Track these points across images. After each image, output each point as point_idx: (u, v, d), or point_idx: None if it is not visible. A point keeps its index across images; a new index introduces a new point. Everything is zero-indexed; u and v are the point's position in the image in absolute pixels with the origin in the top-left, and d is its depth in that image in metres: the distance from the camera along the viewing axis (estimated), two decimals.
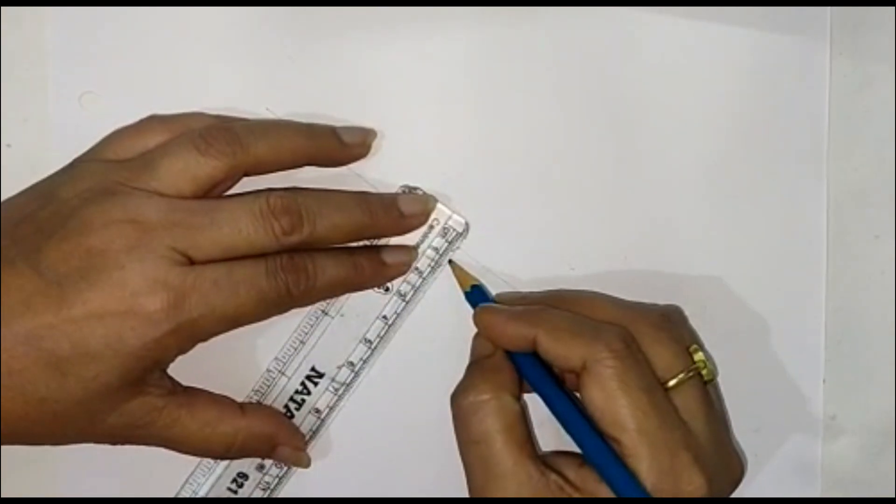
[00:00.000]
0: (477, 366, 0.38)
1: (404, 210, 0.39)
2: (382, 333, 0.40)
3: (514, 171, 0.41)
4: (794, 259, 0.41)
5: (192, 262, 0.34)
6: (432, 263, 0.40)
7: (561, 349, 0.35)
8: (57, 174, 0.37)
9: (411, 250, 0.40)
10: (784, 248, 0.41)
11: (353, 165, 0.40)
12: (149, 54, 0.40)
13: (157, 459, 0.37)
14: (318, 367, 0.40)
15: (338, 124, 0.40)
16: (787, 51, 0.41)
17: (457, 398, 0.36)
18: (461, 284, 0.40)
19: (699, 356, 0.36)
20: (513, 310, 0.37)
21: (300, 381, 0.40)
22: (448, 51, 0.41)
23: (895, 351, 0.42)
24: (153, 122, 0.38)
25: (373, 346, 0.40)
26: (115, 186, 0.34)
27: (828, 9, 0.41)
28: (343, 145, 0.38)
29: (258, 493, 0.40)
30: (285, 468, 0.40)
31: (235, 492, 0.39)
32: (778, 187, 0.41)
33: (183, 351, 0.35)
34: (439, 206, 0.40)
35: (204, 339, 0.35)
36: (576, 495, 0.35)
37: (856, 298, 0.42)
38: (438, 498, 0.40)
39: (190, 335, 0.34)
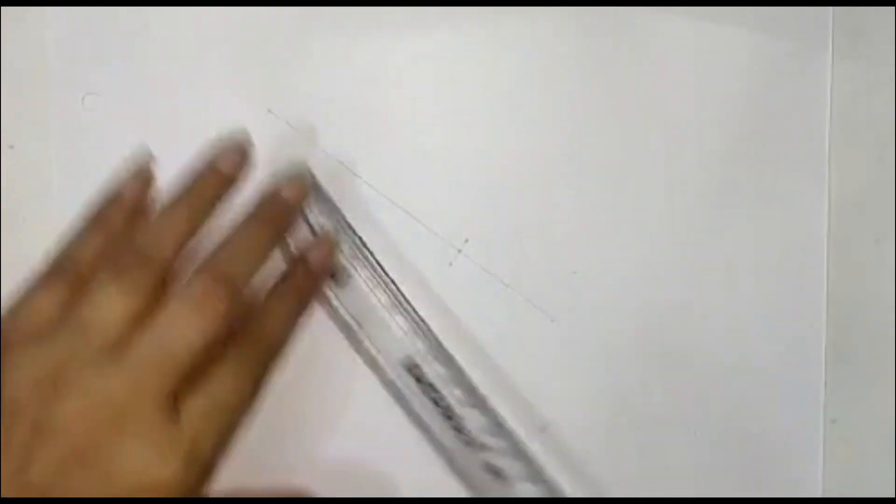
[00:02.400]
0: None
1: (281, 191, 0.37)
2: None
3: (515, 173, 0.41)
4: (795, 262, 0.41)
5: (175, 395, 0.32)
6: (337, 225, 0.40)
7: None
8: None
9: (326, 238, 0.39)
10: (785, 252, 0.41)
11: (351, 165, 0.40)
12: (151, 55, 0.40)
13: None
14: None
15: (338, 125, 0.40)
16: (789, 53, 0.41)
17: None
18: None
19: None
20: None
21: None
22: (450, 51, 0.41)
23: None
24: (50, 277, 0.34)
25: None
26: (64, 371, 0.31)
27: (829, 9, 0.41)
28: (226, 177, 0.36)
29: None
30: None
31: None
32: (779, 190, 0.41)
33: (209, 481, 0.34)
34: None
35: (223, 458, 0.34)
36: None
37: (856, 302, 0.42)
38: (435, 498, 0.40)
39: (208, 468, 0.33)
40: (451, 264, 0.41)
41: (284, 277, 0.37)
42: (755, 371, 0.42)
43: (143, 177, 0.36)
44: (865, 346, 0.42)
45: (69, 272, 0.33)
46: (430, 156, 0.41)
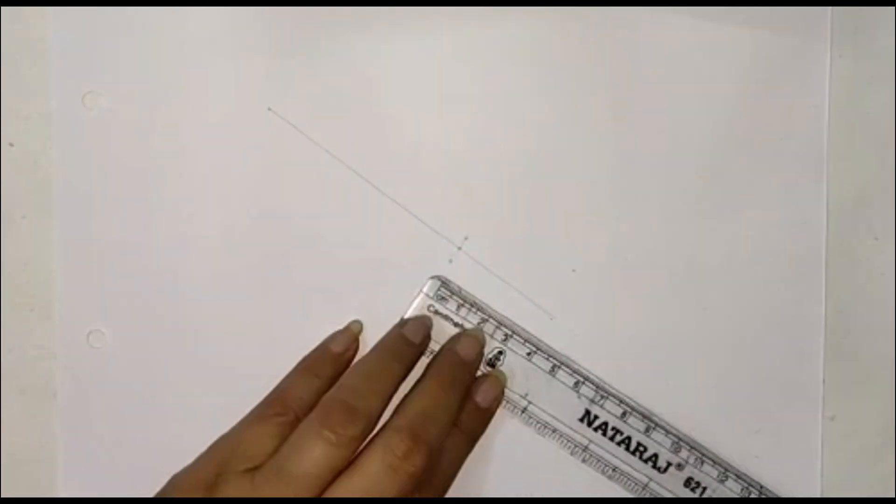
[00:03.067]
0: None
1: (461, 352, 0.40)
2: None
3: (514, 171, 0.41)
4: (794, 260, 0.42)
5: None
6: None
7: None
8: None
9: (496, 378, 0.40)
10: (784, 250, 0.42)
11: (351, 163, 0.40)
12: (151, 54, 0.40)
13: (157, 459, 0.37)
14: None
15: (339, 124, 0.40)
16: (788, 51, 0.41)
17: None
18: None
19: None
20: None
21: None
22: (449, 51, 0.41)
23: (894, 352, 0.42)
24: (266, 410, 0.37)
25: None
26: None
27: (828, 9, 0.41)
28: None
29: None
30: None
31: None
32: (778, 188, 0.41)
33: None
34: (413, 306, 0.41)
35: None
36: None
37: (855, 300, 0.42)
38: (441, 498, 0.40)
39: None
40: (450, 261, 0.41)
41: (457, 418, 0.39)
42: (754, 368, 0.42)
43: (350, 334, 0.40)
44: (864, 343, 0.42)
45: (284, 412, 0.36)
46: (430, 153, 0.41)
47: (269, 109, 0.40)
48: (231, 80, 0.40)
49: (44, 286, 0.40)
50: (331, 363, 0.38)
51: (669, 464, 0.41)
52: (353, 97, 0.40)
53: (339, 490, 0.34)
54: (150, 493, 0.40)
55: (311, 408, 0.37)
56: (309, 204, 0.40)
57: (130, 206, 0.40)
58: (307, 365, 0.39)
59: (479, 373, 0.40)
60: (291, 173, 0.40)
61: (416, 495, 0.36)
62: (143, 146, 0.40)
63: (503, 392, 0.40)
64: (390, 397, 0.37)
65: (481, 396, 0.39)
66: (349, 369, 0.38)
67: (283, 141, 0.40)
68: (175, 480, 0.37)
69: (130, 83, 0.40)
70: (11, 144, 0.40)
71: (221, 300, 0.40)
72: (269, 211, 0.40)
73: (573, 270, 0.41)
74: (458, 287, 0.41)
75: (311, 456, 0.34)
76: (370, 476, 0.34)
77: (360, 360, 0.38)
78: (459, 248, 0.41)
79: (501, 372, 0.40)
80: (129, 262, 0.40)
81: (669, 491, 0.41)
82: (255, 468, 0.35)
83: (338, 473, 0.34)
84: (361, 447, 0.35)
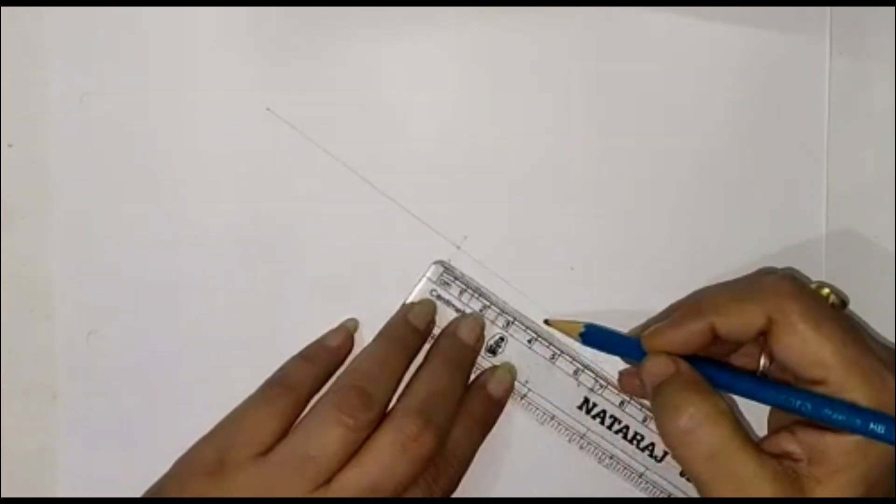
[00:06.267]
0: (671, 385, 0.36)
1: (462, 335, 0.40)
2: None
3: (514, 170, 0.41)
4: (794, 259, 0.41)
5: None
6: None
7: (740, 319, 0.35)
8: (205, 485, 0.36)
9: (508, 369, 0.41)
10: (783, 248, 0.42)
11: (349, 162, 0.40)
12: (149, 54, 0.40)
13: (157, 459, 0.37)
14: None
15: (337, 124, 0.40)
16: (787, 50, 0.41)
17: (671, 423, 0.35)
18: (570, 334, 0.40)
19: (825, 291, 0.37)
20: (672, 318, 0.37)
21: None
22: (448, 51, 0.41)
23: (894, 351, 0.42)
24: (267, 391, 0.38)
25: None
26: (277, 494, 0.35)
27: (827, 8, 0.41)
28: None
29: None
30: None
31: None
32: (777, 187, 0.41)
33: None
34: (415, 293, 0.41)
35: None
36: (804, 465, 0.34)
37: (854, 298, 0.42)
38: (441, 498, 0.40)
39: None
40: (450, 260, 0.41)
41: (467, 405, 0.39)
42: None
43: (345, 331, 0.40)
44: None
45: (285, 392, 0.37)
46: (428, 153, 0.41)
47: (268, 109, 0.40)
48: (229, 79, 0.40)
49: (44, 286, 0.40)
50: (327, 355, 0.39)
51: (666, 453, 0.41)
52: (352, 97, 0.40)
53: (354, 471, 0.35)
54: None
55: (310, 389, 0.37)
56: (308, 204, 0.40)
57: (129, 206, 0.40)
58: (304, 355, 0.39)
59: (479, 358, 0.41)
60: (290, 173, 0.40)
61: (432, 482, 0.36)
62: (141, 146, 0.40)
63: (513, 384, 0.40)
64: (399, 383, 0.38)
65: (493, 386, 0.40)
66: (359, 355, 0.39)
67: (281, 141, 0.40)
68: (175, 467, 0.37)
69: (129, 84, 0.40)
70: (10, 145, 0.40)
71: (221, 300, 0.41)
72: (267, 211, 0.40)
73: (571, 269, 0.41)
74: (461, 272, 0.41)
75: (329, 439, 0.35)
76: (383, 457, 0.35)
77: (368, 347, 0.39)
78: (458, 248, 0.41)
79: (512, 365, 0.41)
80: (129, 263, 0.40)
81: (666, 480, 0.41)
82: (265, 452, 0.36)
83: (351, 455, 0.35)
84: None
